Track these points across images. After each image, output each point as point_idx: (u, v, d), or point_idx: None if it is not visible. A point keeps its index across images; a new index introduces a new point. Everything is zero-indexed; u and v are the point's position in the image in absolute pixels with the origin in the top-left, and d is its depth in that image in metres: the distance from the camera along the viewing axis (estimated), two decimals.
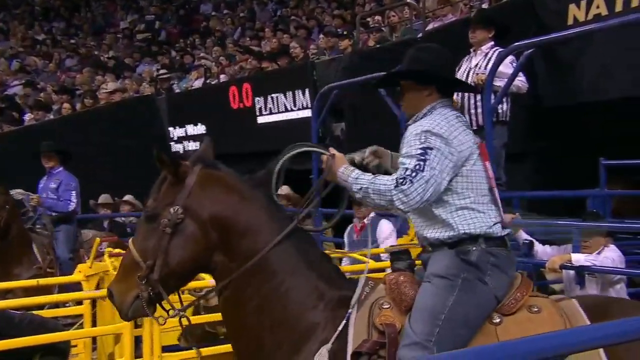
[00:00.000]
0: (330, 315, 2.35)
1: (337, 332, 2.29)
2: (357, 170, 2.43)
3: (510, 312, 2.34)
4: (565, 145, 6.99)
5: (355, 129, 8.82)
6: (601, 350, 2.18)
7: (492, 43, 5.80)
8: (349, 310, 2.34)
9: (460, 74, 5.90)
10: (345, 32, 10.52)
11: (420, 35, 8.26)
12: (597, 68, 6.41)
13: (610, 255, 5.01)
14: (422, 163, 2.30)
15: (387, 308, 2.35)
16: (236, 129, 10.97)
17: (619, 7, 6.08)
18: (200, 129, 12.06)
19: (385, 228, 5.93)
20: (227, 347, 3.88)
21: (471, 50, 5.88)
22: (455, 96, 5.88)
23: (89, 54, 17.02)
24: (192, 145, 12.24)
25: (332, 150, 2.54)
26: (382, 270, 5.26)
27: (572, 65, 6.64)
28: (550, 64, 6.91)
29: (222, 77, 12.66)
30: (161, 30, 18.21)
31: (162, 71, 14.52)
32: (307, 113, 9.18)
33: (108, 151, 11.38)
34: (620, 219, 6.65)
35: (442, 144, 2.35)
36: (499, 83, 5.41)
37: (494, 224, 2.41)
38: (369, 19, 10.83)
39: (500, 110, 5.59)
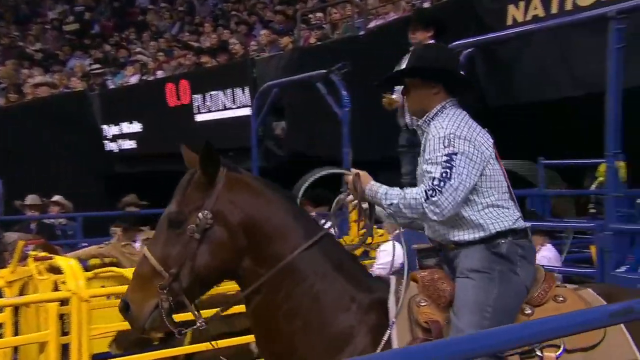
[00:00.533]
0: (365, 318, 2.38)
1: (385, 338, 2.29)
2: (383, 186, 2.48)
3: (539, 303, 2.43)
4: (507, 145, 7.21)
5: (296, 128, 8.85)
6: (627, 333, 2.32)
7: (433, 42, 5.91)
8: (392, 316, 2.35)
9: None
10: (285, 29, 10.53)
11: (362, 33, 8.36)
12: (536, 68, 6.63)
13: (546, 255, 5.20)
14: (448, 170, 2.35)
15: (425, 305, 2.38)
16: (173, 127, 10.81)
17: (554, 9, 6.32)
18: (136, 126, 11.82)
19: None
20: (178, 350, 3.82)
21: (411, 48, 5.97)
22: (395, 95, 6.00)
23: (13, 45, 16.38)
24: (128, 144, 12.00)
25: (354, 170, 2.59)
26: None
27: (512, 65, 6.85)
28: (491, 64, 7.10)
29: (159, 73, 12.45)
30: (94, 22, 17.74)
31: (95, 66, 14.15)
32: (246, 111, 9.13)
33: (36, 149, 11.01)
34: (559, 218, 6.91)
35: (466, 146, 2.40)
36: None
37: (518, 218, 2.49)
38: (310, 16, 10.88)
39: None
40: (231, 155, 9.97)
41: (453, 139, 2.39)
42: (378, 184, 2.50)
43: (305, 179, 2.59)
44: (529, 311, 2.41)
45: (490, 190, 2.47)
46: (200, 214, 2.37)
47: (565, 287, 2.54)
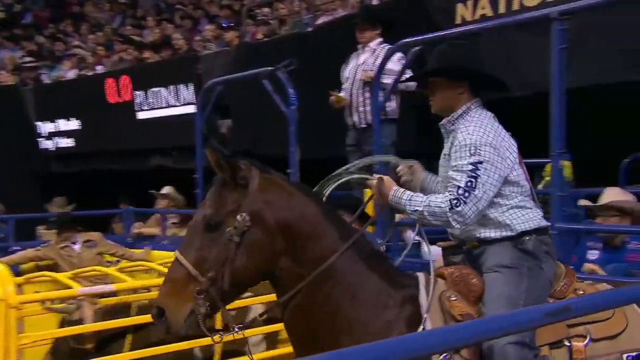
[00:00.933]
0: (400, 313, 2.46)
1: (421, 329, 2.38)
2: (407, 192, 2.58)
3: (562, 297, 2.54)
4: None
5: (241, 126, 8.80)
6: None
7: (380, 39, 5.98)
8: (424, 309, 2.44)
9: (349, 71, 6.05)
10: (231, 24, 10.45)
11: (310, 29, 8.38)
12: (484, 68, 6.77)
13: None
14: (473, 180, 2.46)
15: (455, 300, 2.48)
16: (113, 125, 10.60)
17: (502, 8, 6.47)
18: (74, 124, 11.53)
19: None
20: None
21: (359, 46, 6.03)
22: (343, 93, 6.05)
23: None
24: (65, 142, 11.69)
25: (377, 175, 2.69)
26: None
27: None
28: None
29: (99, 68, 12.17)
30: (26, 12, 17.18)
31: (27, 58, 13.72)
32: (191, 109, 9.02)
33: None
34: None
35: (492, 154, 2.50)
36: (388, 80, 5.60)
37: (541, 217, 2.63)
38: (257, 11, 10.83)
39: (388, 108, 5.76)
40: (174, 154, 9.89)
41: (479, 146, 2.49)
42: (402, 190, 2.59)
43: (329, 182, 2.67)
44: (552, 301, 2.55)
45: (514, 193, 2.60)
46: (238, 217, 2.40)
47: (582, 281, 2.70)
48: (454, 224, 2.47)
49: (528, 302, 2.40)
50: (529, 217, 2.59)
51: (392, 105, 5.83)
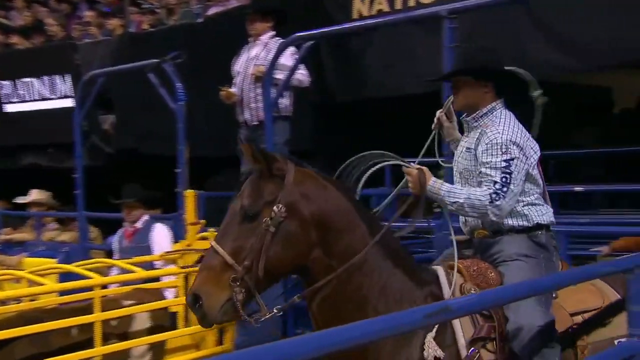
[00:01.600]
0: None
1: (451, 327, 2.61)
2: (446, 184, 2.81)
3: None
4: (355, 142, 7.49)
5: (126, 122, 8.56)
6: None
7: (273, 33, 6.03)
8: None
9: (240, 65, 6.05)
10: (114, 11, 10.15)
11: (199, 19, 8.29)
12: (382, 64, 6.97)
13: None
14: (508, 176, 2.74)
15: (475, 292, 2.70)
16: None
17: (398, 4, 6.69)
18: None
19: (161, 232, 5.87)
20: None
21: (250, 39, 6.05)
22: (234, 89, 6.04)
23: None
24: None
25: (416, 165, 2.86)
26: (156, 279, 5.21)
27: (359, 60, 7.15)
28: (337, 59, 7.36)
29: None
30: None
31: None
32: (68, 102, 8.69)
33: None
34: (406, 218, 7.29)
35: (521, 153, 2.81)
36: (280, 76, 5.66)
37: (552, 214, 2.96)
38: None
39: (281, 105, 5.83)
40: (50, 152, 9.47)
41: (510, 145, 2.79)
42: (440, 181, 2.81)
43: (360, 168, 2.83)
44: (554, 295, 2.86)
45: (532, 190, 2.91)
46: (275, 208, 2.59)
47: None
48: (492, 217, 2.75)
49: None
50: (542, 212, 2.91)
51: (285, 102, 5.89)
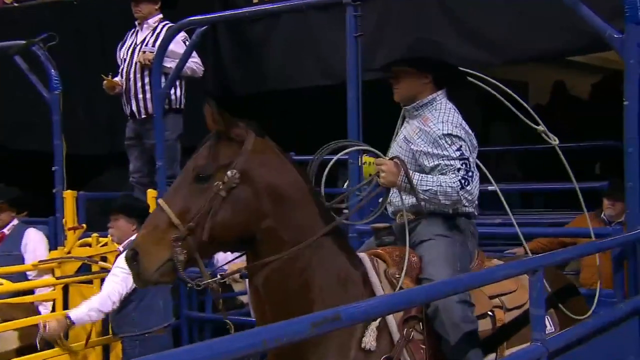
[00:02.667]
0: (365, 291, 2.90)
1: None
2: (417, 173, 3.05)
3: None
4: None
5: None
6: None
7: (160, 16, 5.96)
8: (378, 287, 2.90)
9: (125, 51, 5.95)
10: None
11: None
12: (286, 53, 7.02)
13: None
14: (466, 161, 3.04)
15: (399, 277, 2.95)
16: None
17: None
18: None
19: (35, 239, 5.71)
20: None
21: (136, 22, 5.96)
22: (118, 77, 5.94)
23: None
24: None
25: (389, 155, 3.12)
26: (29, 292, 5.06)
27: (261, 49, 7.17)
28: (237, 47, 7.36)
29: None
30: None
31: None
32: None
33: None
34: None
35: (466, 136, 3.11)
36: (170, 64, 5.61)
37: (476, 208, 3.23)
38: None
39: (172, 97, 5.79)
40: None
41: (455, 133, 3.07)
42: (411, 171, 3.03)
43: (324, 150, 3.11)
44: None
45: None
46: (229, 172, 2.71)
47: (493, 260, 3.39)
48: (464, 202, 3.03)
49: (461, 266, 3.06)
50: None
51: (177, 93, 5.84)
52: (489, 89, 3.60)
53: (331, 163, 3.08)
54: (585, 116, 8.50)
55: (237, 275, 3.61)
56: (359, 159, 4.48)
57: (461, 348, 2.86)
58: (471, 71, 3.49)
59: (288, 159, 2.92)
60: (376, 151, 3.18)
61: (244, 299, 5.91)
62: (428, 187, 3.00)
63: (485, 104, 7.14)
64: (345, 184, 7.50)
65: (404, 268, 2.95)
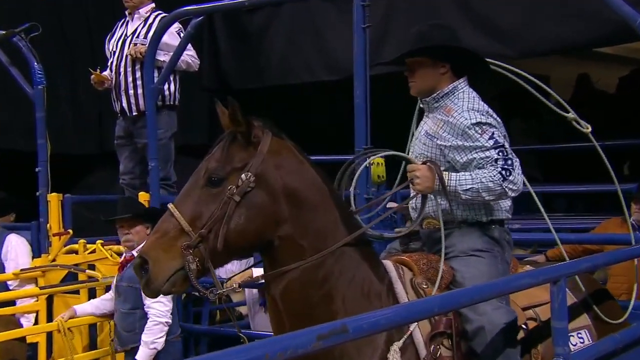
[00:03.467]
0: (389, 303, 2.88)
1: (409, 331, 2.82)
2: (452, 173, 3.01)
3: None
4: None
5: None
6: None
7: (153, 5, 5.97)
8: (403, 299, 2.90)
9: (114, 43, 5.97)
10: None
11: None
12: (288, 46, 7.04)
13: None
14: (502, 149, 3.00)
15: (427, 288, 2.94)
16: None
17: None
18: None
19: (16, 245, 5.73)
20: None
21: (126, 11, 5.98)
22: (107, 72, 5.96)
23: None
24: None
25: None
26: (10, 303, 5.06)
27: (260, 41, 7.19)
28: (235, 39, 7.38)
29: None
30: None
31: None
32: None
33: None
34: None
35: (495, 122, 3.07)
36: (164, 57, 5.62)
37: (510, 208, 3.21)
38: None
39: (166, 92, 5.80)
40: None
41: (484, 120, 3.03)
42: (445, 172, 3.01)
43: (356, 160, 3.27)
44: None
45: None
46: (243, 175, 2.72)
47: (526, 267, 3.42)
48: (510, 194, 2.99)
49: None
50: (500, 206, 3.17)
51: (171, 88, 5.86)
52: (516, 78, 3.57)
53: (358, 173, 3.11)
54: (612, 112, 8.49)
55: (235, 285, 3.61)
56: (366, 160, 4.49)
57: None
58: (493, 61, 3.45)
59: (307, 160, 2.92)
60: (407, 156, 3.15)
61: (243, 310, 5.93)
62: (469, 187, 2.97)
63: (502, 100, 7.16)
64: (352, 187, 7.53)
65: (438, 280, 2.93)
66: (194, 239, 2.67)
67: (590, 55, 9.30)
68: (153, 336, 4.34)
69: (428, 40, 3.18)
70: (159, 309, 4.37)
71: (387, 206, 3.71)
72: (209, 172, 2.76)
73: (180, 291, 2.82)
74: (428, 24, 3.32)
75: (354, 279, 2.86)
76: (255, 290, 4.97)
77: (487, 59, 3.38)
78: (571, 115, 3.63)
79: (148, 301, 4.33)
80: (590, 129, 3.62)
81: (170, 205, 2.76)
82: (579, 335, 3.29)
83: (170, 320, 4.42)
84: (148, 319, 4.37)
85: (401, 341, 2.78)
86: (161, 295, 4.32)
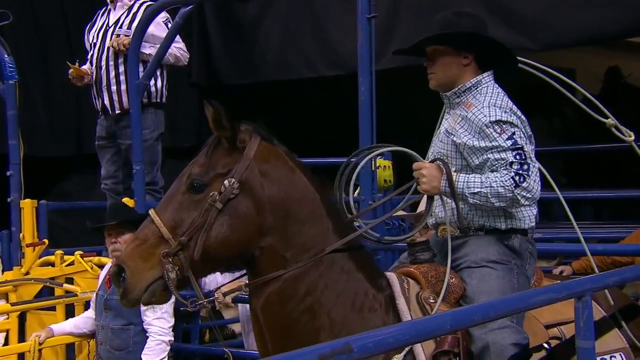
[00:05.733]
0: (387, 319, 2.93)
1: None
2: (460, 174, 3.04)
3: None
4: None
5: None
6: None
7: (465, 10, 5.93)
8: (406, 315, 2.92)
9: (94, 33, 5.99)
10: None
11: None
12: (285, 38, 7.06)
13: None
14: (520, 151, 2.99)
15: (434, 302, 2.96)
16: None
17: None
18: None
19: None
20: None
21: (108, 1, 6.00)
22: (86, 65, 5.99)
23: None
24: None
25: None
26: None
27: (255, 33, 7.21)
28: (227, 31, 7.40)
29: None
30: None
31: None
32: None
33: None
34: None
35: (518, 121, 3.05)
36: (150, 50, 5.66)
37: (535, 216, 3.20)
38: None
39: (152, 89, 5.82)
40: None
41: (507, 119, 3.03)
42: (454, 173, 3.03)
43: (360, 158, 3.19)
44: None
45: None
46: (226, 182, 2.82)
47: (550, 279, 3.43)
48: (522, 201, 2.98)
49: None
50: (523, 215, 3.16)
51: (158, 84, 5.88)
52: (542, 75, 3.59)
53: (357, 171, 3.09)
54: None
55: (229, 300, 3.65)
56: (372, 162, 4.51)
57: None
58: (522, 58, 3.43)
59: (299, 167, 2.98)
60: (413, 153, 3.14)
61: (236, 327, 5.95)
62: (476, 190, 2.98)
63: (523, 98, 7.16)
64: (356, 191, 7.55)
65: (442, 292, 2.94)
66: (174, 246, 2.76)
67: (621, 46, 9.30)
68: (156, 357, 4.35)
69: (452, 27, 3.18)
70: (161, 327, 4.39)
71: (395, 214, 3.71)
72: (192, 178, 2.86)
73: (161, 301, 2.87)
74: (453, 11, 3.34)
75: (343, 292, 2.90)
76: (248, 307, 4.99)
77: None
78: (611, 121, 3.62)
79: (148, 318, 4.37)
80: (633, 137, 3.62)
81: (151, 211, 2.86)
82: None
83: (172, 339, 4.45)
84: (147, 336, 4.39)
85: (401, 355, 2.82)
86: (163, 311, 4.41)
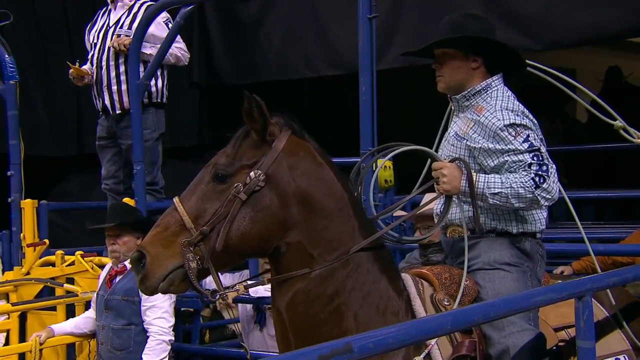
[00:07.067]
0: (406, 320, 2.89)
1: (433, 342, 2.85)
2: (480, 174, 3.05)
3: None
4: None
5: None
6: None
7: (474, 12, 5.93)
8: (422, 316, 2.92)
9: (95, 33, 5.99)
10: None
11: None
12: (286, 37, 7.06)
13: None
14: (538, 153, 3.01)
15: (449, 305, 2.98)
16: None
17: None
18: None
19: None
20: None
21: (109, 1, 6.01)
22: (87, 65, 5.99)
23: None
24: None
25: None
26: None
27: (256, 33, 7.22)
28: (228, 31, 7.40)
29: None
30: None
31: None
32: None
33: None
34: None
35: (531, 123, 3.08)
36: (150, 50, 5.66)
37: (545, 219, 3.22)
38: None
39: (153, 89, 5.83)
40: None
41: (521, 122, 3.05)
42: (474, 173, 3.04)
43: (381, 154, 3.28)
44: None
45: None
46: (252, 173, 2.81)
47: (557, 281, 3.44)
48: (542, 202, 3.00)
49: None
50: (533, 218, 3.19)
51: (158, 84, 5.89)
52: (546, 77, 3.60)
53: (378, 168, 3.21)
54: None
55: (230, 300, 3.66)
56: (373, 162, 4.51)
57: None
58: (530, 62, 3.44)
59: (327, 163, 2.97)
60: (433, 152, 3.17)
61: (236, 327, 5.96)
62: (497, 190, 2.99)
63: (523, 98, 7.17)
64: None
65: (459, 296, 2.95)
66: (195, 236, 2.75)
67: (621, 45, 9.30)
68: (157, 356, 4.36)
69: (461, 30, 3.19)
70: (161, 326, 4.40)
71: (395, 214, 3.71)
72: (217, 168, 2.85)
73: (179, 291, 2.86)
74: (461, 13, 3.36)
75: (369, 294, 2.88)
76: (249, 307, 5.00)
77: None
78: (619, 123, 3.62)
79: (148, 317, 4.38)
80: None
81: (175, 199, 2.85)
82: None
83: (173, 338, 4.45)
84: (148, 336, 4.40)
85: (421, 356, 2.82)
86: (163, 311, 4.41)
